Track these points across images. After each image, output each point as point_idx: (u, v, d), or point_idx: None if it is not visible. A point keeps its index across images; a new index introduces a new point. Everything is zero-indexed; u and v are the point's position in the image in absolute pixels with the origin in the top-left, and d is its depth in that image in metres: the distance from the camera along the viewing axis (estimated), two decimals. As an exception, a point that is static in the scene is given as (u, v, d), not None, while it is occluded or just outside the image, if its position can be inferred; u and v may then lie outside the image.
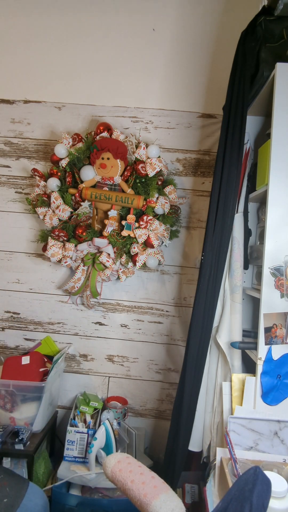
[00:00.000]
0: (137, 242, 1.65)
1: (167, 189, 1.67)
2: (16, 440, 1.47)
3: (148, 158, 1.63)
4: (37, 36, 1.77)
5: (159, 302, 1.83)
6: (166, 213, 1.66)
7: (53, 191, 1.66)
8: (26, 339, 1.88)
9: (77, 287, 1.73)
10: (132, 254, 1.66)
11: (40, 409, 1.56)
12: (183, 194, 1.79)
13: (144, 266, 1.69)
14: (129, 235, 1.65)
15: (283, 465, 1.15)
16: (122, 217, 1.68)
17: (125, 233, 1.64)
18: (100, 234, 1.68)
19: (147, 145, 1.65)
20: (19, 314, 1.87)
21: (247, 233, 1.52)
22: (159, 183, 1.66)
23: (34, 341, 1.88)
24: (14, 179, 1.84)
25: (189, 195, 1.79)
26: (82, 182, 1.66)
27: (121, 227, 1.67)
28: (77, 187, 1.65)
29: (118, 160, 1.61)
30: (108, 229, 1.65)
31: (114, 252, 1.67)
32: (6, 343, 1.88)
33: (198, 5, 1.70)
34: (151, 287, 1.83)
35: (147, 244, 1.64)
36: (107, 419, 1.61)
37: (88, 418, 1.69)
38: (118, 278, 1.73)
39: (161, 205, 1.64)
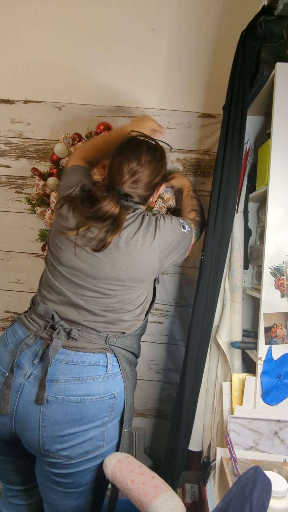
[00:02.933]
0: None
1: (166, 195, 1.67)
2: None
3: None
4: (37, 36, 1.77)
5: (159, 302, 1.83)
6: None
7: (52, 191, 1.66)
8: (26, 339, 1.88)
9: (77, 287, 1.73)
10: (132, 254, 1.66)
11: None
12: (183, 194, 1.79)
13: (144, 266, 1.69)
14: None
15: (283, 465, 1.15)
16: (122, 217, 1.68)
17: (125, 233, 1.64)
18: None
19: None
20: (19, 314, 1.87)
21: (247, 233, 1.52)
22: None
23: (34, 341, 1.88)
24: (14, 179, 1.84)
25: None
26: (82, 182, 1.66)
27: (121, 227, 1.67)
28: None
29: (118, 160, 1.61)
30: (108, 229, 1.65)
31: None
32: (6, 343, 1.88)
33: (198, 5, 1.69)
34: (151, 287, 1.83)
35: (147, 244, 1.64)
36: (107, 419, 1.61)
37: (88, 418, 1.69)
38: (118, 278, 1.72)
39: (158, 208, 1.64)
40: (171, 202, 1.69)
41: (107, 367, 1.05)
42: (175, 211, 1.71)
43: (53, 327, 1.06)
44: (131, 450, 1.68)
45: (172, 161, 1.78)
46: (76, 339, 1.05)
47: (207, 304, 1.35)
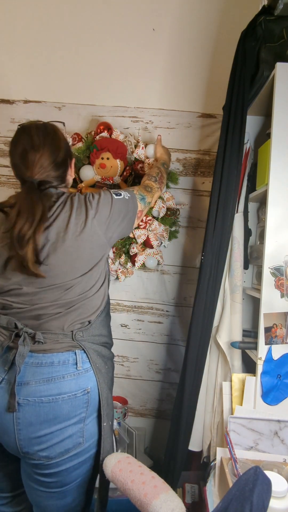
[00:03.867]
0: (136, 242, 1.65)
1: (165, 195, 1.67)
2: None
3: (147, 158, 1.63)
4: (37, 36, 1.77)
5: (159, 302, 1.83)
6: (160, 216, 1.66)
7: (53, 191, 1.66)
8: (26, 339, 1.88)
9: (77, 287, 1.72)
10: (131, 254, 1.66)
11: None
12: (183, 194, 1.79)
13: (144, 266, 1.69)
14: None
15: (283, 465, 1.15)
16: (122, 217, 1.68)
17: (125, 233, 1.64)
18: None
19: (146, 145, 1.65)
20: None
21: (247, 233, 1.52)
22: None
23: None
24: (14, 179, 1.83)
25: (189, 195, 1.79)
26: (81, 181, 1.66)
27: (121, 227, 1.67)
28: (77, 187, 1.65)
29: (117, 160, 1.61)
30: (108, 229, 1.65)
31: (113, 252, 1.67)
32: (6, 343, 1.88)
33: (198, 5, 1.69)
34: (151, 287, 1.83)
35: (146, 244, 1.64)
36: (107, 419, 1.61)
37: (88, 418, 1.69)
38: (117, 278, 1.73)
39: (158, 208, 1.64)
40: (171, 202, 1.68)
41: (76, 364, 1.04)
42: (175, 212, 1.71)
43: (18, 335, 1.05)
44: (131, 450, 1.68)
45: (172, 161, 1.78)
46: (42, 342, 1.04)
47: (207, 304, 1.35)
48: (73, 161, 1.19)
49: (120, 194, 1.13)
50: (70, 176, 1.16)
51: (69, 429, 1.02)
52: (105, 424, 1.07)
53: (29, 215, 0.98)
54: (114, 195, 1.12)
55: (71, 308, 1.06)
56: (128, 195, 1.15)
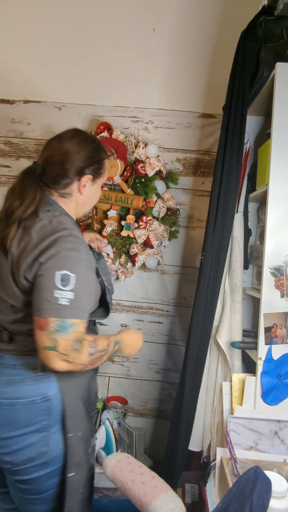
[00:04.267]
0: (137, 242, 1.65)
1: (165, 195, 1.67)
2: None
3: (147, 158, 1.63)
4: (37, 36, 1.77)
5: (159, 302, 1.83)
6: (160, 216, 1.66)
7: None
8: (26, 339, 1.88)
9: (77, 287, 1.72)
10: (132, 254, 1.66)
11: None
12: (183, 194, 1.79)
13: (144, 266, 1.69)
14: (128, 235, 1.65)
15: (283, 465, 1.15)
16: (122, 217, 1.68)
17: (124, 233, 1.64)
18: (99, 234, 1.68)
19: (146, 145, 1.65)
20: None
21: (247, 233, 1.52)
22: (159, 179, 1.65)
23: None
24: (14, 179, 1.83)
25: (189, 195, 1.79)
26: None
27: (121, 227, 1.67)
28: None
29: (118, 160, 1.61)
30: (108, 229, 1.65)
31: (113, 252, 1.67)
32: (6, 343, 1.88)
33: (198, 5, 1.69)
34: (151, 287, 1.83)
35: (147, 244, 1.64)
36: (107, 419, 1.61)
37: (88, 418, 1.69)
38: (117, 278, 1.73)
39: (158, 208, 1.64)
40: (171, 202, 1.69)
41: (37, 369, 0.98)
42: (175, 212, 1.71)
43: None
44: (131, 450, 1.67)
45: (172, 161, 1.78)
46: (7, 342, 1.01)
47: (207, 304, 1.35)
48: (89, 178, 1.06)
49: (63, 289, 0.89)
50: (80, 190, 1.06)
51: (30, 436, 0.97)
52: (71, 435, 1.00)
53: (19, 196, 0.99)
54: (59, 283, 0.89)
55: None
56: (66, 303, 0.89)
